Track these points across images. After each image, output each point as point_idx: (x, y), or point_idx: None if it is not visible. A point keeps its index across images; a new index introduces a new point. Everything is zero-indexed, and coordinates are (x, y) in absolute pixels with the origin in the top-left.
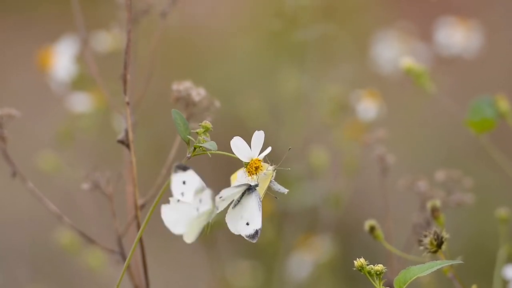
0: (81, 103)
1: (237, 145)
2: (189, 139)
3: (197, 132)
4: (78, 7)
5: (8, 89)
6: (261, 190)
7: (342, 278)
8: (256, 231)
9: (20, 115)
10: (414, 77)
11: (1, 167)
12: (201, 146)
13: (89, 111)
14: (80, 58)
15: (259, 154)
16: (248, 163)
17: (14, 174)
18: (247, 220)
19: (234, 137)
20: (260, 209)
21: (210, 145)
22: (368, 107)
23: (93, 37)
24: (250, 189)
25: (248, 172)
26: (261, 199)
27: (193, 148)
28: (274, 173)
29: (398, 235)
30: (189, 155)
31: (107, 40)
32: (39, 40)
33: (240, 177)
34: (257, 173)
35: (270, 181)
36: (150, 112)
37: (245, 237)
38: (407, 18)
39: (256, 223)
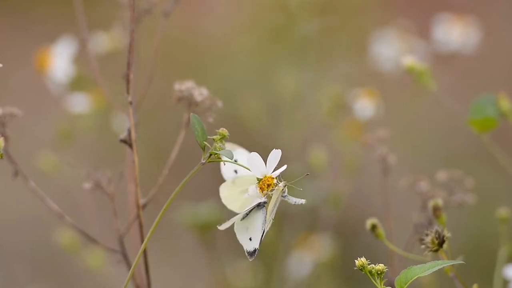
0: (80, 104)
1: (254, 161)
2: (205, 145)
3: (213, 139)
4: (80, 7)
5: (8, 88)
6: (270, 202)
7: (342, 278)
8: (254, 250)
9: (21, 114)
10: (416, 76)
11: (1, 167)
12: (216, 154)
13: (88, 112)
14: (79, 59)
15: (273, 171)
16: (261, 179)
17: (16, 173)
18: (250, 234)
19: (252, 153)
20: (263, 228)
21: (226, 153)
22: (365, 105)
23: (93, 37)
24: (259, 205)
25: (260, 188)
26: (266, 216)
27: (208, 154)
28: (286, 189)
29: (399, 234)
30: (204, 161)
31: (106, 41)
32: (39, 40)
33: (251, 192)
34: (269, 190)
35: (285, 196)
36: (151, 112)
37: (245, 252)
38: (407, 17)
39: (255, 243)
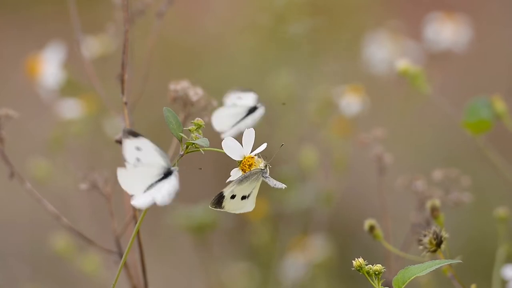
0: (71, 109)
1: (229, 145)
2: (181, 137)
3: (189, 130)
4: (74, 8)
5: (5, 88)
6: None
7: (340, 278)
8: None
9: (18, 116)
10: (410, 79)
11: (0, 168)
12: (193, 143)
13: (80, 117)
14: (73, 61)
15: (252, 152)
16: (241, 161)
17: (12, 174)
18: None
19: (225, 138)
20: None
21: (202, 141)
22: (351, 102)
23: (87, 39)
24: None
25: (242, 170)
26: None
27: (185, 145)
28: (268, 169)
29: (396, 234)
30: (182, 153)
31: (98, 43)
32: (37, 40)
33: (234, 175)
34: (251, 170)
35: (266, 177)
36: (147, 112)
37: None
38: (406, 16)
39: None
